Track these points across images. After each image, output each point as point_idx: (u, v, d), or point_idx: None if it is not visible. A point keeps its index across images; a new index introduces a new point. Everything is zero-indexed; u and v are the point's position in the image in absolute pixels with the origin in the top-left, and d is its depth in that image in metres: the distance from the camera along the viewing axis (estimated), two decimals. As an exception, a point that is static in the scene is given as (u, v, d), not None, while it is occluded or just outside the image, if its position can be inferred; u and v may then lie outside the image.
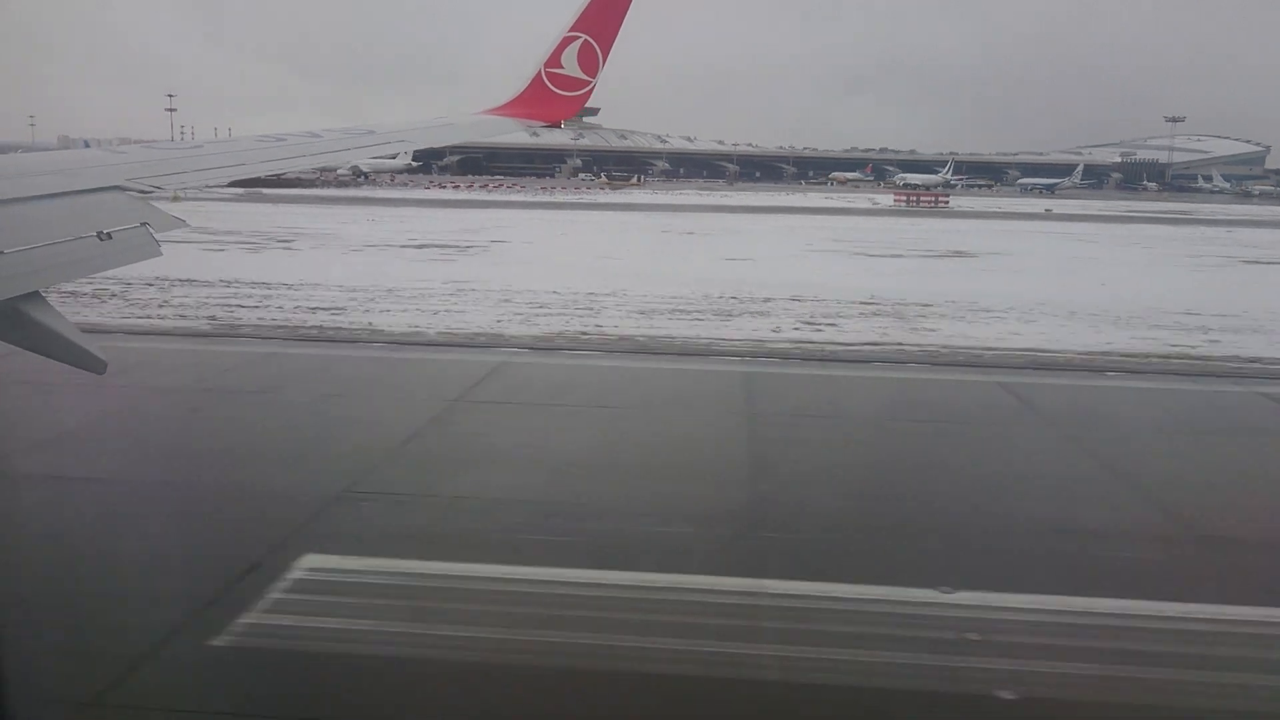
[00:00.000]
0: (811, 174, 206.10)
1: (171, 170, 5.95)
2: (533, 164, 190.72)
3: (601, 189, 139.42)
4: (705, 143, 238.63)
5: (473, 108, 10.71)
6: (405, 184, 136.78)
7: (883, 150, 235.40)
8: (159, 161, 6.08)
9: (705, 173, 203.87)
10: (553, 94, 10.13)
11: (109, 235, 4.54)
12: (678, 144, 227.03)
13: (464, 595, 8.02)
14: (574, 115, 10.42)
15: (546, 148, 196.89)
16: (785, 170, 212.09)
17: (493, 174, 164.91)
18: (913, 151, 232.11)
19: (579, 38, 9.99)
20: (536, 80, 10.12)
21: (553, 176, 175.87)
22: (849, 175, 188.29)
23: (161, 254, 4.80)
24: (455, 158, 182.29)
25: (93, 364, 3.95)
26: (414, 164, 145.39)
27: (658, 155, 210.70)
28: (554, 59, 10.06)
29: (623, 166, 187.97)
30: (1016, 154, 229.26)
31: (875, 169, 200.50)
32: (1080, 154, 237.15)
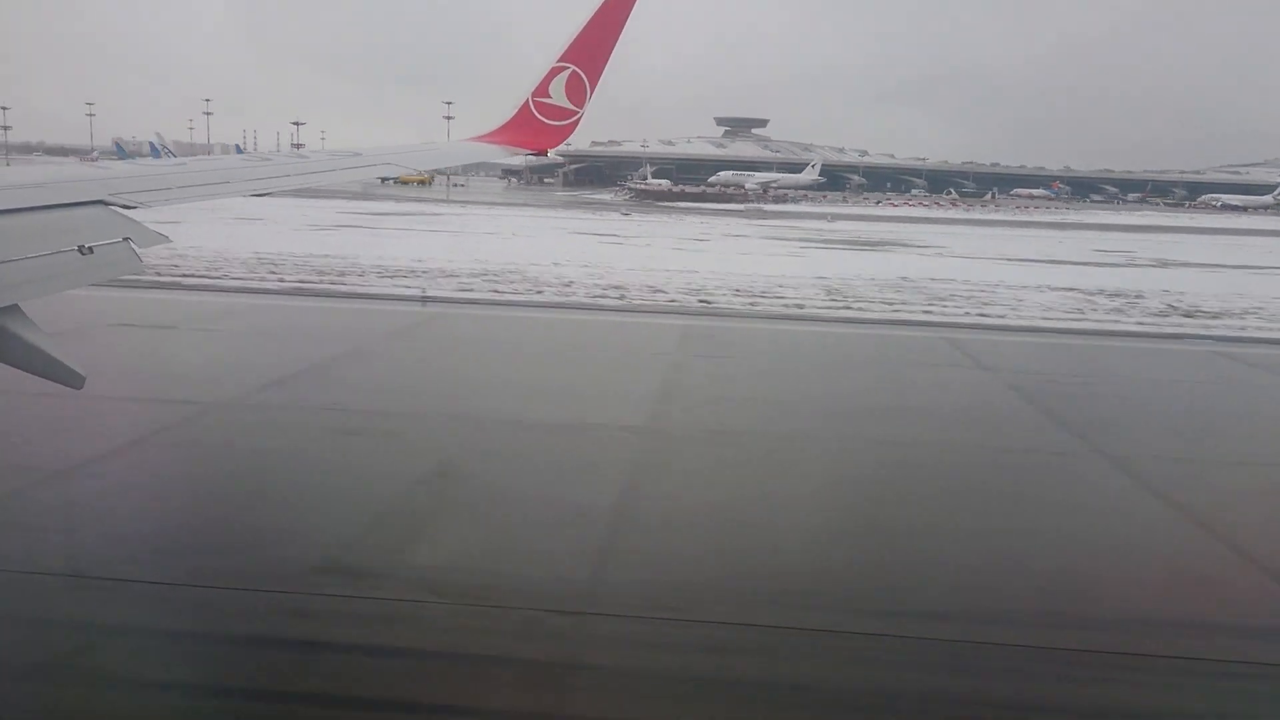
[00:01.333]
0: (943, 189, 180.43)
1: (154, 186, 5.89)
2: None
3: (953, 205, 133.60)
4: (878, 156, 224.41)
5: (489, 112, 10.70)
6: (804, 199, 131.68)
7: (994, 165, 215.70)
8: (142, 177, 6.03)
9: (889, 186, 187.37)
10: (540, 123, 10.19)
11: (90, 250, 4.48)
12: (816, 154, 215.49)
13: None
14: (560, 144, 10.48)
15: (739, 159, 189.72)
16: (963, 185, 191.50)
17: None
18: (1040, 167, 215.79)
19: (567, 69, 10.07)
20: (524, 109, 10.19)
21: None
22: (1035, 193, 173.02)
23: (144, 269, 4.74)
24: (651, 169, 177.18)
25: (70, 378, 3.89)
26: (821, 179, 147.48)
27: (853, 169, 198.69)
28: (542, 89, 10.14)
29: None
30: (1202, 171, 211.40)
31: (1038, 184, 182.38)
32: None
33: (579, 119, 10.41)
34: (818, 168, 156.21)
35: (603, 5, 9.84)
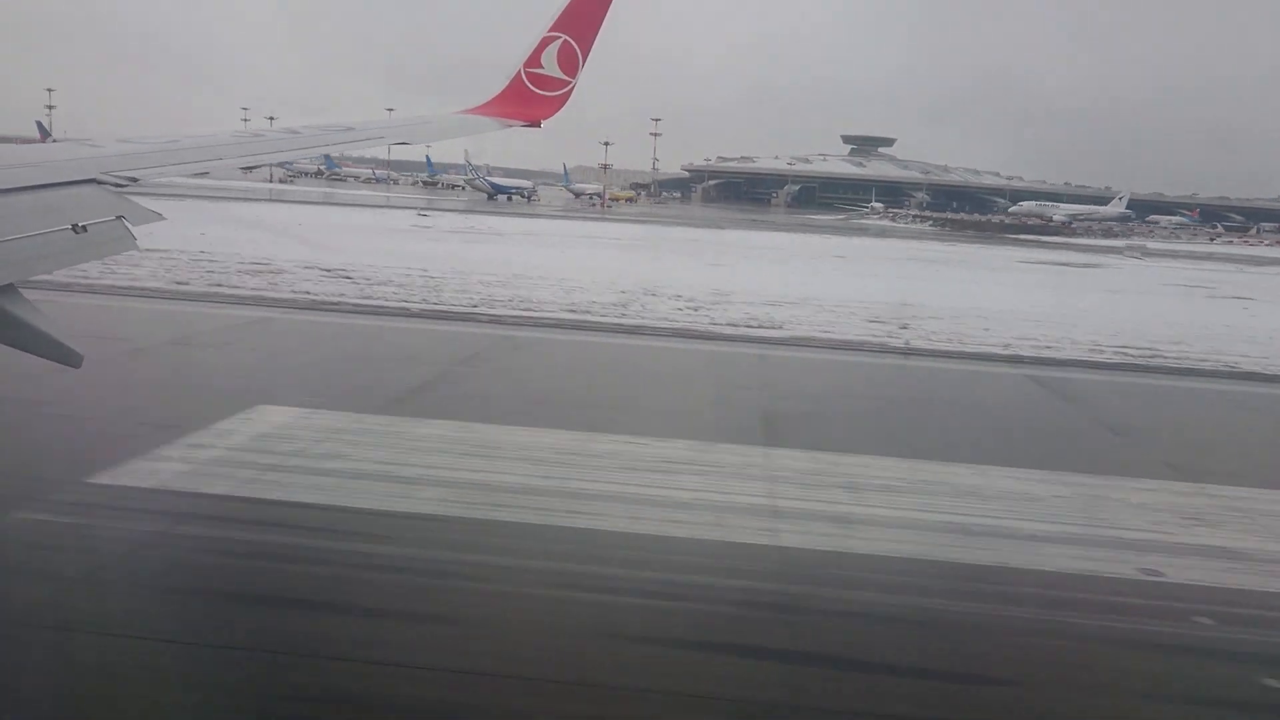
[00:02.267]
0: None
1: (148, 164, 5.92)
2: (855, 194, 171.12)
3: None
4: (960, 174, 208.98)
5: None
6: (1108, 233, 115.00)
7: (1068, 184, 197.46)
8: (135, 155, 6.05)
9: (965, 206, 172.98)
10: (532, 94, 10.15)
11: (84, 228, 4.52)
12: (958, 176, 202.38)
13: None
14: (553, 114, 10.45)
15: (861, 178, 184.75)
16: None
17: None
18: (1082, 186, 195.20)
19: (559, 38, 10.02)
20: (516, 80, 10.14)
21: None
22: (1171, 219, 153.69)
23: (138, 247, 4.79)
24: (796, 187, 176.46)
25: (68, 358, 3.94)
26: (1128, 212, 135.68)
27: (998, 193, 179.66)
28: (534, 59, 10.09)
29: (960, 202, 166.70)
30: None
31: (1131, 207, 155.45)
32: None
33: (571, 88, 10.36)
34: (1125, 200, 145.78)
35: (593, -27, 9.78)
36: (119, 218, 4.84)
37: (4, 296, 3.87)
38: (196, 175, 7.25)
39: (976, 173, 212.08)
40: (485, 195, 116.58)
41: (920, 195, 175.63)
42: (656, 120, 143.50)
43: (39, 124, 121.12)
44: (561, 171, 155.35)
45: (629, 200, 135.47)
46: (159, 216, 5.20)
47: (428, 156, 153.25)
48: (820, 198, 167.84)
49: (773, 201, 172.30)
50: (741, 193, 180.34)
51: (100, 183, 5.16)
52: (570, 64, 10.16)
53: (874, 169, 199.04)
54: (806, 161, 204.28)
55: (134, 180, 5.33)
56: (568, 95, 10.35)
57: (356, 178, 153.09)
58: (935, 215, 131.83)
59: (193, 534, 8.25)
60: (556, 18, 9.93)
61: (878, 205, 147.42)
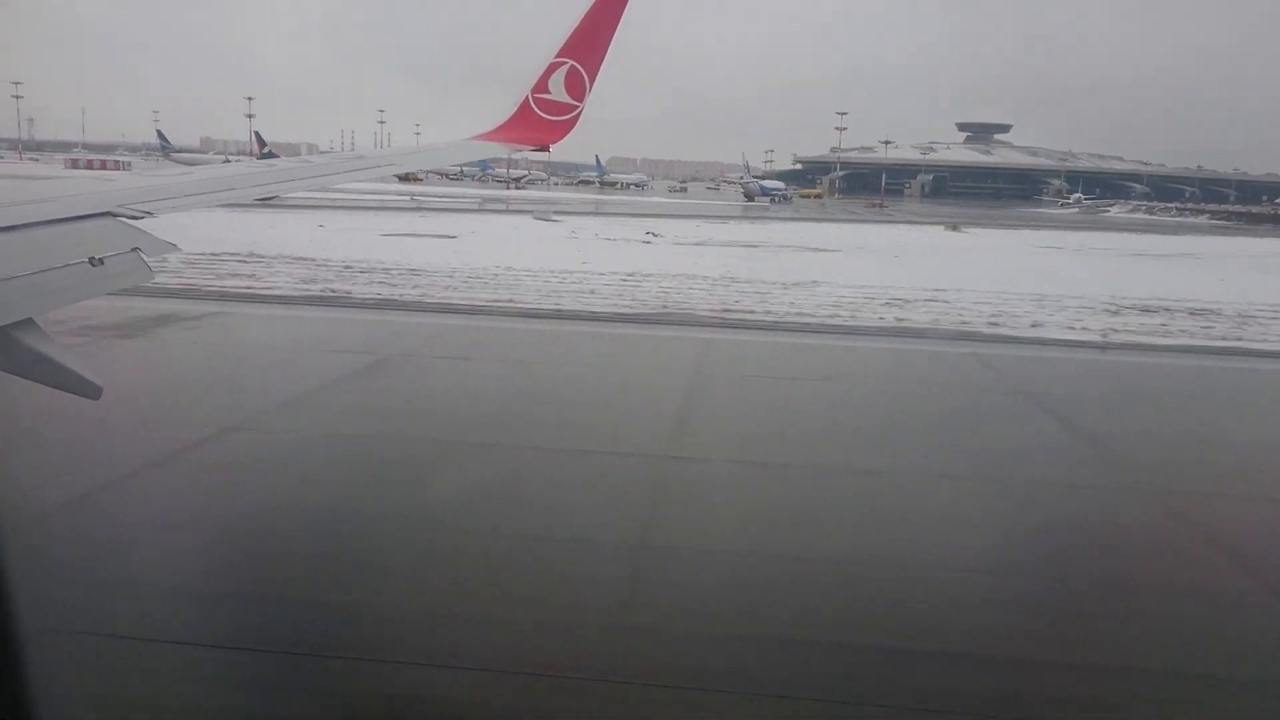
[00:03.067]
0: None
1: (161, 196, 6.01)
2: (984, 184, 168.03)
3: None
4: (1087, 159, 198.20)
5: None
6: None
7: (1199, 168, 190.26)
8: (150, 188, 6.14)
9: (1097, 192, 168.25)
10: (540, 119, 10.26)
11: (100, 261, 4.59)
12: (1086, 162, 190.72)
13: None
14: (562, 138, 10.56)
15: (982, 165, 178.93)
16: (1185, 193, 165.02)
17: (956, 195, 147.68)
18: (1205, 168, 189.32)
19: (566, 63, 10.13)
20: (524, 106, 10.25)
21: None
22: None
23: (154, 278, 4.86)
24: (930, 177, 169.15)
25: (87, 389, 3.98)
26: None
27: (1134, 177, 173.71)
28: (541, 84, 10.20)
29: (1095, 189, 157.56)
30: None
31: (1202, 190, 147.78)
32: None
33: (579, 113, 10.47)
34: None
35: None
36: (134, 250, 4.91)
37: (23, 329, 3.93)
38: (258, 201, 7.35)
39: (1102, 156, 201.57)
40: (746, 197, 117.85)
41: (1139, 186, 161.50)
42: (842, 114, 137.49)
43: (257, 134, 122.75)
44: (594, 163, 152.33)
45: (816, 197, 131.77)
46: (175, 248, 5.27)
47: (597, 157, 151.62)
48: (952, 187, 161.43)
49: (906, 193, 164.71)
50: (868, 184, 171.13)
51: (115, 215, 5.25)
52: (577, 89, 10.27)
53: (1001, 156, 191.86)
54: (931, 150, 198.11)
55: (149, 214, 5.41)
56: (576, 119, 10.45)
57: (516, 180, 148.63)
58: (1211, 209, 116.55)
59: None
60: (563, 44, 10.05)
61: (1079, 196, 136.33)
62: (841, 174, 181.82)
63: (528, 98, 10.26)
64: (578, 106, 10.45)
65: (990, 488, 10.87)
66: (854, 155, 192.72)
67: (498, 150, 10.48)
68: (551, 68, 10.09)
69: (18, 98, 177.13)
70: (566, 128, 10.43)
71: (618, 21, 10.00)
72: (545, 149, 10.90)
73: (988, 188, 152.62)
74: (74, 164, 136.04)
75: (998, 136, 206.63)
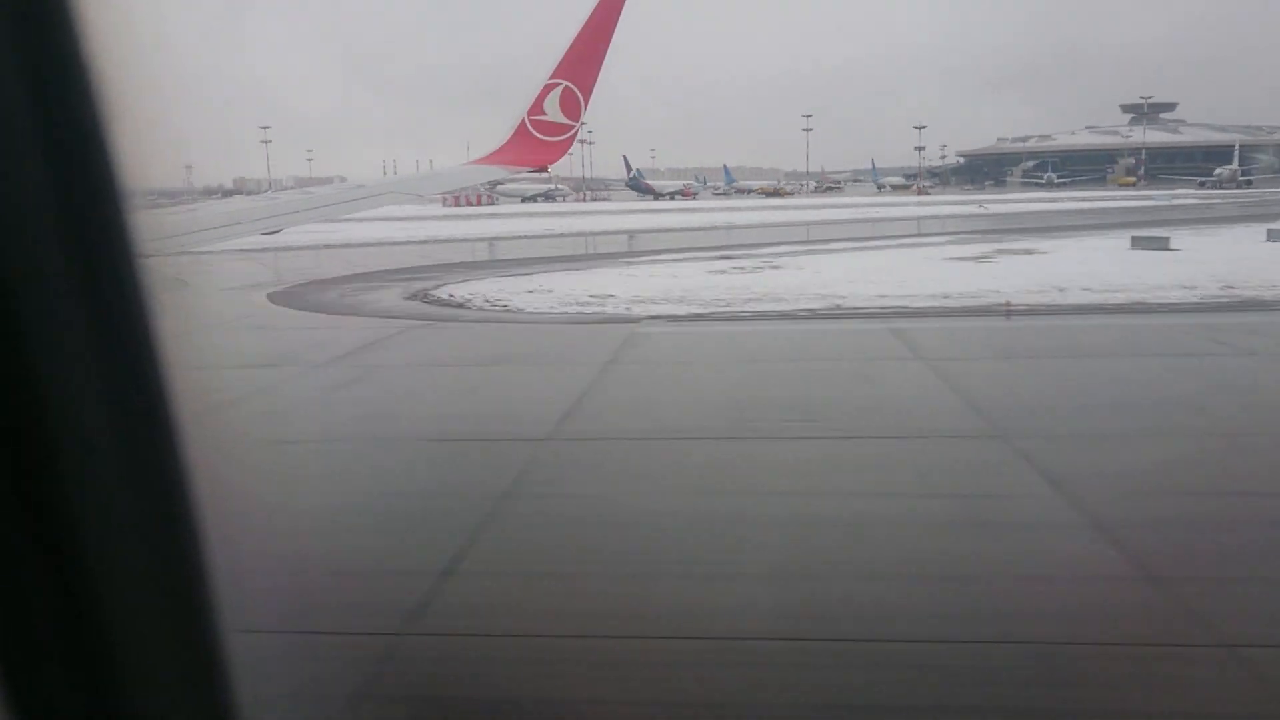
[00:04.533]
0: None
1: (167, 232, 6.09)
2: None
3: None
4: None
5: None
6: None
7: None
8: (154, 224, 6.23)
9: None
10: (537, 140, 10.35)
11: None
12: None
13: None
14: (559, 159, 10.64)
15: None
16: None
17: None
18: None
19: (560, 84, 10.22)
20: (520, 128, 10.34)
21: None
22: None
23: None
24: (1131, 160, 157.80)
25: None
26: None
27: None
28: (537, 106, 10.29)
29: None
30: None
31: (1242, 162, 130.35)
32: None
33: (575, 133, 10.56)
34: None
35: (589, 19, 9.99)
36: None
37: None
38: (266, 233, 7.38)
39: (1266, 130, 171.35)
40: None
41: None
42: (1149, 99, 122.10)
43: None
44: (627, 170, 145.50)
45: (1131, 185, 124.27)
46: (185, 284, 5.34)
47: (725, 166, 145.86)
48: (1150, 169, 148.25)
49: (1111, 179, 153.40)
50: (1074, 173, 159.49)
51: None
52: (573, 109, 10.35)
53: (1191, 135, 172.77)
54: (1115, 133, 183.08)
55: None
56: (572, 139, 10.54)
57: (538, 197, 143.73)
58: None
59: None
60: (557, 65, 10.14)
61: None
62: (1031, 163, 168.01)
63: (524, 120, 10.35)
64: (574, 126, 10.54)
65: None
66: (1031, 145, 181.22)
67: (497, 173, 10.58)
68: (546, 89, 10.18)
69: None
70: (564, 147, 10.52)
71: (610, 38, 10.09)
72: (544, 170, 10.98)
73: (1191, 168, 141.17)
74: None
75: (1164, 116, 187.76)
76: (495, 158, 10.49)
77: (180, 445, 1.14)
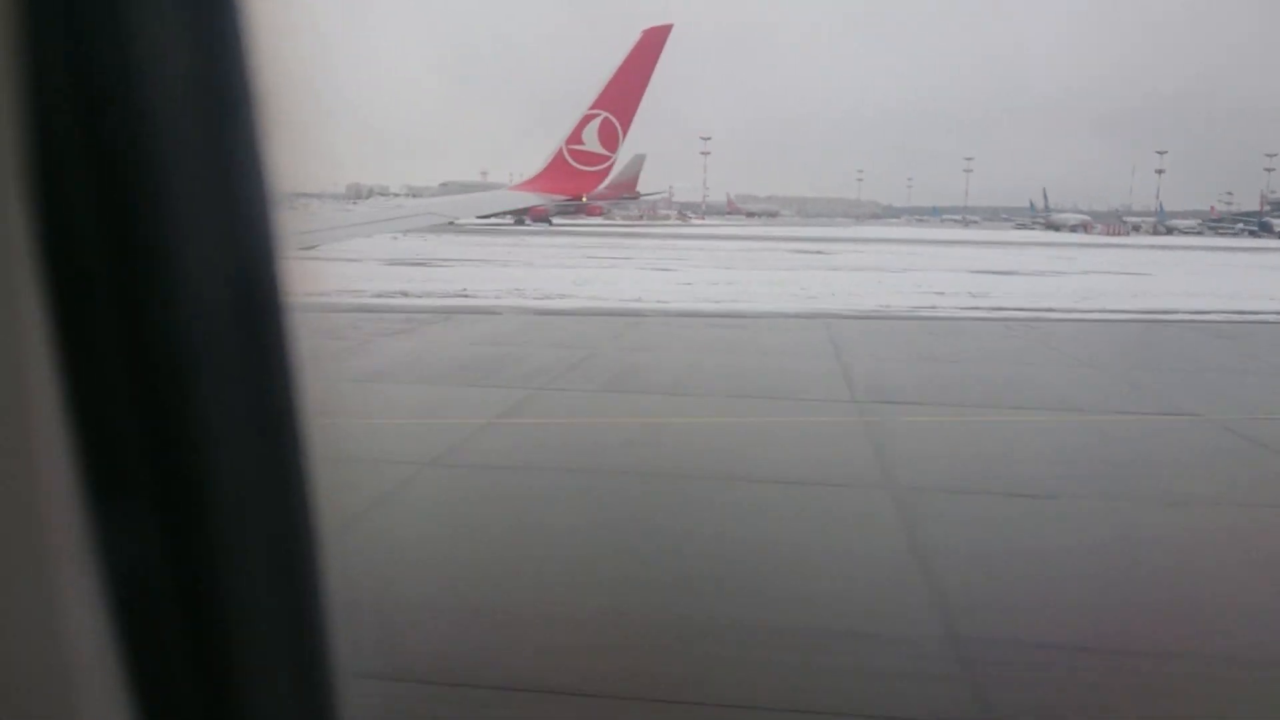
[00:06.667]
0: None
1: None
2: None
3: None
4: None
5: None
6: None
7: None
8: None
9: None
10: (574, 169, 10.41)
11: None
12: None
13: None
14: (596, 188, 10.70)
15: None
16: None
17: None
18: None
19: (599, 115, 10.30)
20: (558, 157, 10.41)
21: None
22: None
23: None
24: None
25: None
26: None
27: None
28: (575, 136, 10.36)
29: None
30: None
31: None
32: None
33: (612, 163, 10.61)
34: None
35: (632, 52, 10.07)
36: None
37: None
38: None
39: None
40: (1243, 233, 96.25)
41: None
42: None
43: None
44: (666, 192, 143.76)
45: None
46: None
47: (1045, 190, 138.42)
48: None
49: None
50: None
51: None
52: (611, 140, 10.42)
53: None
54: None
55: None
56: (609, 169, 10.59)
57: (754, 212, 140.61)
58: None
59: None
60: (598, 96, 10.22)
61: None
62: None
63: (561, 148, 10.43)
64: (611, 157, 10.60)
65: None
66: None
67: (531, 199, 10.64)
68: (586, 119, 10.25)
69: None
70: (600, 177, 10.57)
71: (651, 72, 10.17)
72: (578, 198, 11.04)
73: None
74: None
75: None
76: (532, 184, 10.56)
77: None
